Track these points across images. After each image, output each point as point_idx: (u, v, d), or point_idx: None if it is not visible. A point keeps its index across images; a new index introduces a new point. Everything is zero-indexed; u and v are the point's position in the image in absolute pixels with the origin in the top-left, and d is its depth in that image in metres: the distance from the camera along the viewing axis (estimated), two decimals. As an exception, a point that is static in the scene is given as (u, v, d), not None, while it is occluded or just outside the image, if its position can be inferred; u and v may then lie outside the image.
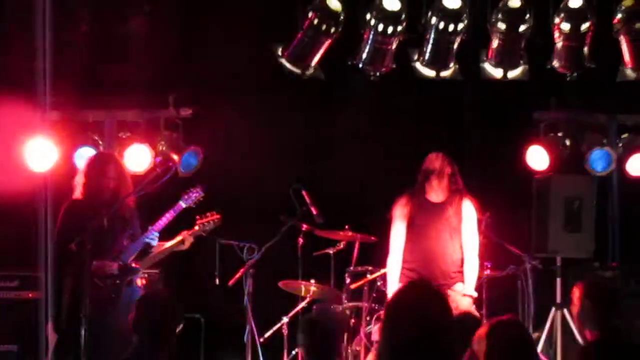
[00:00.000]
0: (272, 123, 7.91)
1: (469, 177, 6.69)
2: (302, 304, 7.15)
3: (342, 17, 6.95)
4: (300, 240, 7.12)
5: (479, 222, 6.56)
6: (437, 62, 7.21)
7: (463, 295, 6.38)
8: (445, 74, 7.27)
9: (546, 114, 7.81)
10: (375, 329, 6.67)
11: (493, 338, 3.83)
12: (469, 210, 6.51)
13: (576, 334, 6.70)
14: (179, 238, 6.24)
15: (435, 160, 6.48)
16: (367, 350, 6.74)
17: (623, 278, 7.42)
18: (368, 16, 6.94)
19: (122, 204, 6.01)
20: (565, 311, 7.11)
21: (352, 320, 7.02)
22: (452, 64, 7.24)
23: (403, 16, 6.92)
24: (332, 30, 6.96)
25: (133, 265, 6.05)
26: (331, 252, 7.25)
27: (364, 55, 7.19)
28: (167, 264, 6.74)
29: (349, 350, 6.91)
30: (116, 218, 5.92)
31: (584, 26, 6.96)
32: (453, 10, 6.86)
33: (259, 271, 6.85)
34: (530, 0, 6.93)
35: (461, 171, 6.61)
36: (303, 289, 7.13)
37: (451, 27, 6.93)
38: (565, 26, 6.95)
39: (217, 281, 6.89)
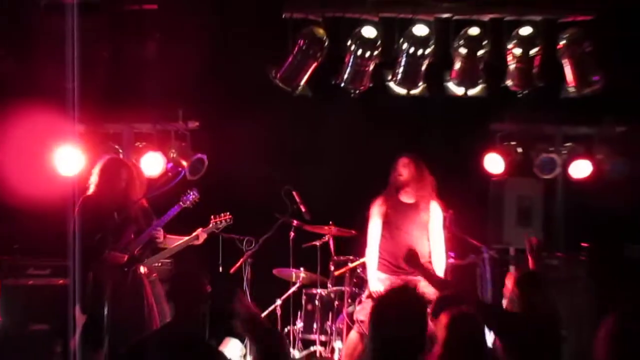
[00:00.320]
0: (267, 133, 7.98)
1: (435, 180, 6.78)
2: (293, 289, 7.41)
3: (326, 43, 7.08)
4: (292, 234, 7.36)
5: (444, 219, 6.71)
6: (408, 81, 7.29)
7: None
8: (415, 91, 7.34)
9: (501, 126, 8.01)
10: (357, 309, 6.80)
11: (452, 330, 4.08)
12: (435, 210, 6.66)
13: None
14: (194, 234, 6.41)
15: (405, 165, 6.66)
16: (349, 328, 6.92)
17: (566, 265, 7.57)
18: (349, 42, 7.09)
19: (131, 204, 6.13)
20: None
21: (336, 302, 7.30)
22: (420, 83, 7.31)
23: (379, 42, 7.06)
24: (318, 54, 7.12)
25: (138, 255, 6.12)
26: (317, 244, 7.51)
27: (346, 76, 7.31)
28: (177, 255, 6.71)
29: (333, 328, 7.26)
30: (125, 216, 6.06)
31: (533, 51, 7.15)
32: (421, 37, 7.00)
33: (256, 260, 7.11)
34: (488, 28, 7.06)
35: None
36: (294, 275, 7.44)
37: (420, 52, 7.07)
38: (517, 51, 7.15)
39: (220, 269, 7.07)
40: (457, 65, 7.30)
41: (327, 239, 7.51)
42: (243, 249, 7.11)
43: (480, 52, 7.17)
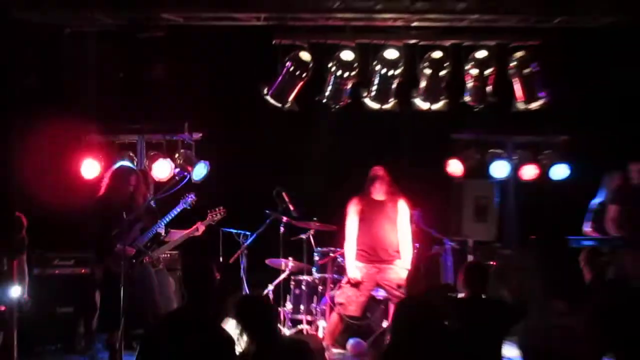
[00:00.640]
0: (261, 142, 8.41)
1: (405, 181, 7.06)
2: (283, 275, 7.60)
3: (311, 65, 7.41)
4: (282, 229, 7.55)
5: (411, 215, 7.00)
6: (380, 98, 7.60)
7: (402, 268, 6.83)
8: (386, 106, 7.63)
9: (461, 135, 8.40)
10: (337, 293, 6.99)
11: (397, 318, 4.12)
12: (403, 207, 6.96)
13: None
14: (194, 227, 6.68)
15: (378, 170, 6.97)
16: (331, 309, 7.15)
17: (517, 255, 7.74)
18: (330, 64, 7.46)
19: (137, 206, 6.35)
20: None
21: (320, 287, 7.55)
22: (391, 99, 7.62)
23: (356, 64, 7.43)
24: (304, 74, 7.44)
25: (143, 249, 6.40)
26: (304, 237, 7.68)
27: (327, 93, 7.62)
28: (187, 247, 7.01)
29: (318, 309, 7.50)
30: (133, 216, 6.31)
31: (488, 71, 7.53)
32: (392, 60, 7.37)
33: (251, 252, 7.37)
34: (449, 52, 7.43)
35: (398, 177, 7.01)
36: (283, 264, 7.60)
37: (391, 72, 7.42)
38: (474, 71, 7.53)
39: (221, 259, 7.36)
40: (423, 83, 7.63)
41: (312, 233, 7.69)
42: (240, 242, 7.37)
43: (442, 73, 7.51)
